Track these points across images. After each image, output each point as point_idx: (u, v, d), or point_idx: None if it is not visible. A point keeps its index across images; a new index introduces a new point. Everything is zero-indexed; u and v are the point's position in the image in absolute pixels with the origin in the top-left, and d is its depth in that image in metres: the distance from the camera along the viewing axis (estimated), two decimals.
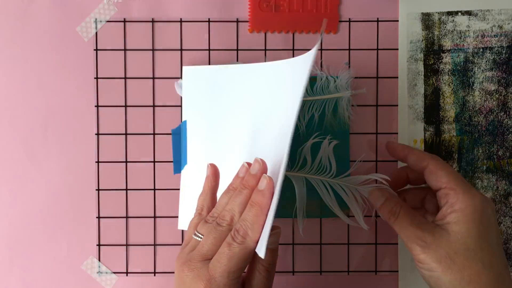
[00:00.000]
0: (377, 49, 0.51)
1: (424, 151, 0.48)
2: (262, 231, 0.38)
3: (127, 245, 0.51)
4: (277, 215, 0.40)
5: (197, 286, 0.37)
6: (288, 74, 0.48)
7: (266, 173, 0.40)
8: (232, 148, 0.49)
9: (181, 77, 0.50)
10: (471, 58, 0.51)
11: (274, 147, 0.49)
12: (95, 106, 0.51)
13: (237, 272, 0.38)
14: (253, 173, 0.40)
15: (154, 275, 0.51)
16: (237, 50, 0.51)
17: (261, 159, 0.40)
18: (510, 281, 0.40)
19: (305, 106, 0.51)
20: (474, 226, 0.40)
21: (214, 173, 0.44)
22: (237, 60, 0.50)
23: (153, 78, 0.51)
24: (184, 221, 0.50)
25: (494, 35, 0.51)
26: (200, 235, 0.40)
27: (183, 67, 0.50)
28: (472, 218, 0.40)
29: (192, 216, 0.45)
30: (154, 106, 0.51)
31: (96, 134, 0.51)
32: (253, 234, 0.37)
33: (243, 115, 0.49)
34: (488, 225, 0.41)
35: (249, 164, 0.42)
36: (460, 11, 0.51)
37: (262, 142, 0.49)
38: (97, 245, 0.51)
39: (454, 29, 0.51)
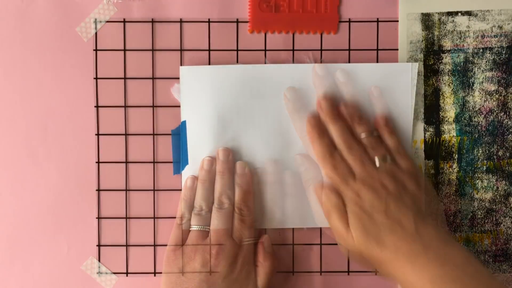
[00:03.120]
0: (377, 50, 0.51)
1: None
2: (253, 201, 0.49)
3: (127, 245, 0.51)
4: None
5: (235, 254, 0.47)
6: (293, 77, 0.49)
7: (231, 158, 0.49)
8: (235, 147, 0.49)
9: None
10: (471, 58, 0.51)
11: (279, 147, 0.49)
12: (95, 106, 0.51)
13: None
14: (225, 160, 0.49)
15: (154, 275, 0.51)
16: (237, 50, 0.51)
17: (227, 148, 0.49)
18: None
19: None
20: None
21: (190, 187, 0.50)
22: (237, 61, 0.50)
23: (153, 78, 0.51)
24: None
25: (494, 36, 0.51)
26: (197, 226, 0.48)
27: (180, 67, 0.50)
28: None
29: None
30: (154, 106, 0.51)
31: (96, 134, 0.51)
32: (252, 205, 0.49)
33: (244, 114, 0.49)
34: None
35: (211, 157, 0.49)
36: (460, 12, 0.51)
37: (267, 142, 0.50)
38: (97, 245, 0.51)
39: (454, 30, 0.51)
